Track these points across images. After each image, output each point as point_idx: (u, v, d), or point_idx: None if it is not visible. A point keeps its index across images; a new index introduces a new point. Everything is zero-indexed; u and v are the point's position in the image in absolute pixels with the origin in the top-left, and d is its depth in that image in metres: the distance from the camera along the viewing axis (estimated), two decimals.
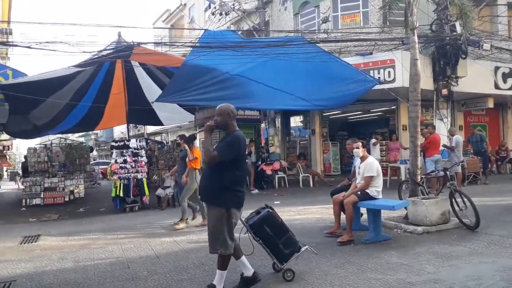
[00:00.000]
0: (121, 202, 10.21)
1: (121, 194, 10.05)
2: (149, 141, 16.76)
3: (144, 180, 10.46)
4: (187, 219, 7.72)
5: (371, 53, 12.36)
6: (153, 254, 5.68)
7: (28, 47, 8.45)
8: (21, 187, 16.59)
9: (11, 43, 10.08)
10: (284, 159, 15.80)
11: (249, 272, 4.03)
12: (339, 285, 4.08)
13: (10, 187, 23.26)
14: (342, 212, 6.18)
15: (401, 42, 11.25)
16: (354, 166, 6.62)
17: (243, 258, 4.04)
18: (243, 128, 14.66)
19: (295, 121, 18.41)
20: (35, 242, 7.02)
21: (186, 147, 7.65)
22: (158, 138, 28.50)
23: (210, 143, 3.88)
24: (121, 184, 10.08)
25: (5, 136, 20.32)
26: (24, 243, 6.96)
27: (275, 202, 9.93)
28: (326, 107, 13.48)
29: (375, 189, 5.97)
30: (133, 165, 10.38)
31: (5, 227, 8.87)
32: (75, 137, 33.50)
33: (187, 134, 28.37)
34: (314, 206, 9.19)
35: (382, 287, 3.97)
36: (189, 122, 17.83)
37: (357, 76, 10.37)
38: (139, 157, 10.53)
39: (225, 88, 10.14)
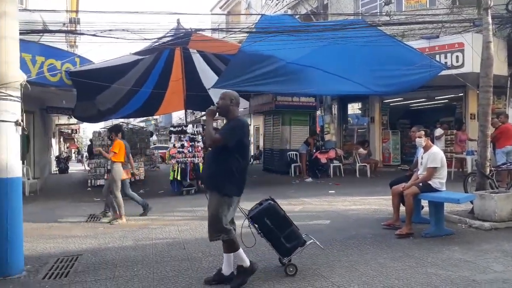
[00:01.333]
0: (178, 185, 10.54)
1: (179, 178, 10.36)
2: (205, 126, 17.08)
3: (200, 164, 10.69)
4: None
5: (437, 37, 11.59)
6: (206, 237, 5.76)
7: (94, 35, 8.86)
8: (87, 168, 17.71)
9: (79, 32, 10.63)
10: (340, 148, 15.44)
11: (228, 270, 3.88)
12: (396, 278, 3.90)
13: (77, 168, 24.91)
14: (401, 204, 5.90)
15: (472, 24, 10.41)
16: (417, 157, 6.27)
17: (232, 254, 3.85)
18: (298, 115, 14.58)
19: (353, 108, 17.88)
20: (99, 220, 7.43)
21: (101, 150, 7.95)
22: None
23: (211, 127, 3.80)
24: (179, 168, 10.38)
25: (73, 120, 21.75)
26: (90, 221, 7.40)
27: (330, 192, 9.75)
28: (387, 93, 12.91)
29: (439, 181, 5.62)
30: (190, 150, 10.65)
31: (72, 205, 9.49)
32: (136, 122, 35.13)
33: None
34: (371, 196, 8.89)
35: (443, 283, 3.73)
36: (244, 108, 17.95)
37: (421, 61, 9.78)
38: (195, 142, 10.78)
39: (281, 74, 10.04)
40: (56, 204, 9.52)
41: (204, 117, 8.65)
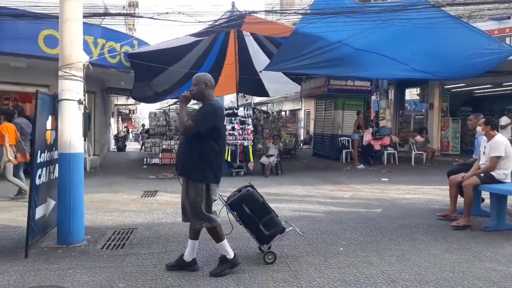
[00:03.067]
0: (228, 167, 10.72)
1: (229, 159, 10.52)
2: (255, 110, 17.17)
3: (250, 147, 10.79)
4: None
5: (508, 17, 10.68)
6: None
7: (152, 18, 9.09)
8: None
9: (137, 15, 10.98)
10: (395, 134, 14.88)
11: (189, 257, 3.79)
12: (451, 271, 3.72)
13: (134, 147, 26.07)
14: (459, 195, 5.59)
15: None
16: (476, 147, 5.90)
17: (196, 242, 3.81)
18: (351, 100, 14.18)
19: (411, 94, 17.10)
20: (153, 196, 7.75)
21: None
22: (264, 108, 29.13)
23: (185, 113, 3.63)
24: (229, 150, 10.53)
25: (130, 100, 22.68)
26: (145, 197, 7.74)
27: (383, 179, 9.47)
28: (449, 78, 12.19)
29: (503, 172, 5.25)
30: (240, 133, 10.75)
31: (129, 181, 9.97)
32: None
33: (292, 104, 28.21)
34: (427, 186, 8.52)
35: (503, 280, 3.52)
36: (295, 92, 17.77)
37: (489, 44, 9.09)
38: (246, 125, 10.86)
39: (335, 57, 9.78)
40: (114, 180, 10.04)
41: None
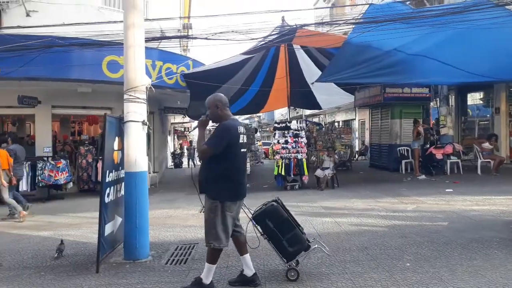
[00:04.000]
0: (282, 180, 10.72)
1: (283, 173, 10.51)
2: (308, 122, 17.05)
3: (304, 160, 10.70)
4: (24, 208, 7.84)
5: None
6: (314, 232, 5.75)
7: (206, 38, 9.40)
8: (198, 163, 18.96)
9: (192, 36, 11.42)
10: (458, 142, 14.08)
11: (249, 272, 3.81)
12: None
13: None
14: None
15: None
16: None
17: (247, 256, 3.84)
18: (409, 108, 13.64)
19: (473, 99, 16.15)
20: None
21: None
22: (316, 120, 28.86)
23: (202, 138, 3.75)
24: (283, 164, 10.53)
25: (186, 118, 23.46)
26: (203, 212, 7.88)
27: (447, 190, 8.96)
28: None
29: None
30: (294, 146, 10.72)
31: (188, 197, 10.24)
32: (241, 119, 36.58)
33: (345, 115, 27.69)
34: (497, 196, 7.93)
35: None
36: (349, 103, 17.46)
37: None
38: (299, 138, 10.82)
39: (390, 65, 9.52)
40: (174, 196, 10.38)
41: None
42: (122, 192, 5.08)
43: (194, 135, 49.03)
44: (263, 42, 10.95)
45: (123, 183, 5.05)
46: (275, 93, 13.93)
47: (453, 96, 15.61)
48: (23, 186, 9.60)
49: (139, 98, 4.92)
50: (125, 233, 4.87)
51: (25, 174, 9.48)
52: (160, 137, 18.04)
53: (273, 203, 4.09)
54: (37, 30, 9.61)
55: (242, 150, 3.80)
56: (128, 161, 4.85)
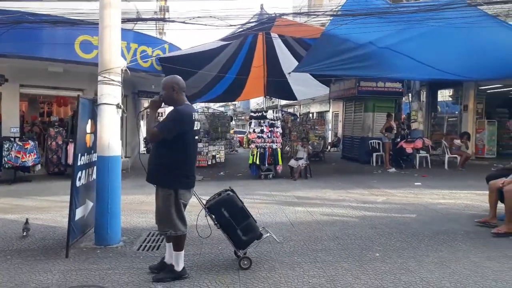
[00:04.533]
0: (257, 170, 10.76)
1: (258, 162, 10.55)
2: (283, 112, 17.11)
3: (279, 150, 10.78)
4: None
5: None
6: (287, 221, 5.83)
7: (183, 22, 9.20)
8: None
9: (169, 19, 11.17)
10: (427, 137, 14.52)
11: (170, 259, 3.76)
12: (494, 280, 3.60)
13: None
14: (499, 201, 5.39)
15: None
16: None
17: (182, 253, 3.73)
18: (382, 102, 13.93)
19: (443, 95, 16.64)
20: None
21: None
22: (291, 110, 29.03)
23: (153, 119, 3.64)
24: (258, 153, 10.56)
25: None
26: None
27: (416, 184, 9.25)
28: (484, 79, 11.79)
29: None
30: (269, 135, 10.76)
31: None
32: (216, 107, 36.33)
33: (319, 106, 27.93)
34: (462, 191, 8.26)
35: None
36: (324, 95, 17.63)
37: None
38: (275, 128, 10.87)
39: (365, 59, 9.63)
40: (146, 182, 10.21)
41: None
42: (94, 176, 4.97)
43: None
44: (241, 29, 10.85)
45: (95, 167, 4.93)
46: (251, 81, 13.86)
47: (424, 92, 16.02)
48: None
49: (113, 81, 4.79)
50: (96, 218, 4.77)
51: None
52: (133, 121, 17.66)
53: (229, 192, 4.08)
54: (6, 4, 9.16)
55: (195, 137, 3.75)
56: (101, 144, 4.73)
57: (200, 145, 14.40)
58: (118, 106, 4.83)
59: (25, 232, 4.98)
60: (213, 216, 3.98)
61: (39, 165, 10.27)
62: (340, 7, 9.54)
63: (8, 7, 8.93)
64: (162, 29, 21.32)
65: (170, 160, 3.51)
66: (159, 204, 3.62)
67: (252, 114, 11.62)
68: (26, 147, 9.64)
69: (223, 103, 40.88)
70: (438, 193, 8.04)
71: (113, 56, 4.80)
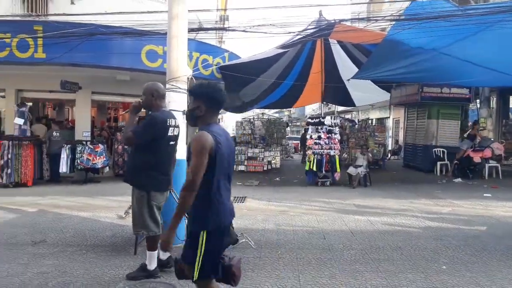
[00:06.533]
0: (313, 176, 10.68)
1: (314, 169, 10.47)
2: (340, 119, 16.83)
3: (337, 157, 10.62)
4: None
5: None
6: (347, 229, 5.74)
7: (244, 30, 9.44)
8: None
9: (230, 28, 11.48)
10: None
11: (152, 266, 3.80)
12: None
13: None
14: None
15: None
16: None
17: (155, 253, 3.82)
18: (447, 108, 13.23)
19: None
20: (243, 202, 7.99)
21: None
22: (348, 116, 28.46)
23: (131, 123, 3.76)
24: (315, 159, 10.49)
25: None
26: (234, 202, 7.99)
27: (485, 195, 8.71)
28: None
29: None
30: (327, 142, 10.65)
31: None
32: (271, 113, 36.59)
33: (379, 112, 27.10)
34: None
35: None
36: (384, 100, 17.13)
37: None
38: (333, 134, 10.73)
39: (430, 65, 9.27)
40: None
41: None
42: None
43: (225, 126, 49.50)
44: (300, 36, 10.89)
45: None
46: (309, 88, 13.83)
47: (494, 98, 15.02)
48: (63, 168, 10.00)
49: (180, 88, 5.03)
50: (163, 218, 4.99)
51: (65, 156, 9.94)
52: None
53: None
54: (81, 18, 9.93)
55: (171, 142, 3.84)
56: None
57: (256, 150, 14.60)
58: (184, 112, 5.05)
59: (125, 215, 5.87)
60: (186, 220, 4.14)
61: (107, 167, 10.95)
62: (402, 11, 9.28)
63: (84, 21, 9.68)
64: (221, 38, 21.92)
65: (143, 163, 3.68)
66: (133, 205, 3.80)
67: (309, 120, 11.57)
68: (96, 150, 10.32)
69: (278, 110, 41.07)
70: (511, 206, 7.49)
71: (180, 65, 5.05)
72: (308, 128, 11.42)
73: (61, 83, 10.87)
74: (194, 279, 2.43)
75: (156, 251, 3.83)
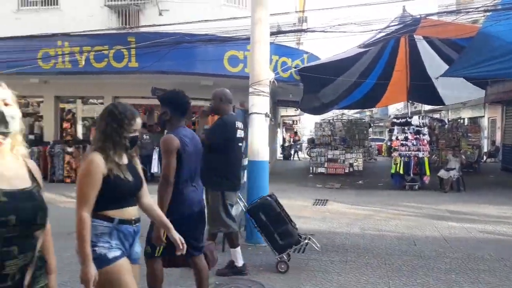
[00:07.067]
0: (400, 180, 10.16)
1: (401, 172, 9.97)
2: (429, 118, 15.82)
3: (426, 159, 10.00)
4: None
5: None
6: (439, 236, 5.38)
7: (323, 31, 9.34)
8: (306, 157, 19.13)
9: (309, 29, 11.44)
10: None
11: (239, 262, 3.94)
12: None
13: (300, 156, 26.98)
14: None
15: None
16: None
17: (238, 249, 3.94)
18: None
19: None
20: (324, 205, 7.88)
21: None
22: (437, 116, 26.66)
23: (202, 127, 3.97)
24: (401, 162, 9.98)
25: (291, 112, 23.56)
26: (316, 205, 7.94)
27: None
28: None
29: None
30: (415, 143, 10.09)
31: (299, 189, 10.38)
32: (351, 113, 35.60)
33: (471, 111, 25.03)
34: None
35: None
36: (477, 98, 15.76)
37: None
38: (421, 135, 10.14)
39: None
40: (285, 187, 10.53)
41: None
42: (245, 178, 5.35)
43: (301, 127, 49.42)
44: (382, 34, 10.47)
45: (245, 171, 5.31)
46: (392, 86, 13.18)
47: None
48: (154, 168, 10.74)
49: (263, 92, 5.12)
50: (248, 218, 5.13)
51: (156, 157, 10.66)
52: (272, 129, 18.52)
53: (267, 197, 4.26)
54: (168, 28, 10.58)
55: (239, 144, 4.04)
56: (251, 150, 5.09)
57: (336, 152, 14.32)
58: (266, 115, 5.15)
59: None
60: (253, 220, 4.21)
61: None
62: (498, 1, 8.49)
63: (171, 30, 10.29)
64: (299, 40, 21.91)
65: (216, 164, 3.82)
66: (209, 205, 3.87)
67: (395, 120, 11.05)
68: None
69: (359, 110, 39.83)
70: None
71: (262, 68, 5.14)
72: (393, 129, 10.89)
73: (152, 90, 11.64)
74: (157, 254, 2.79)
75: (238, 248, 3.98)
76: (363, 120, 21.00)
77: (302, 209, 7.46)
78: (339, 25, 9.14)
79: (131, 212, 2.15)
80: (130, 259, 2.16)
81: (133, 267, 2.18)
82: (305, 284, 3.70)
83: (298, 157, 23.50)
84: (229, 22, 10.41)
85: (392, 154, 11.20)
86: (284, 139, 34.55)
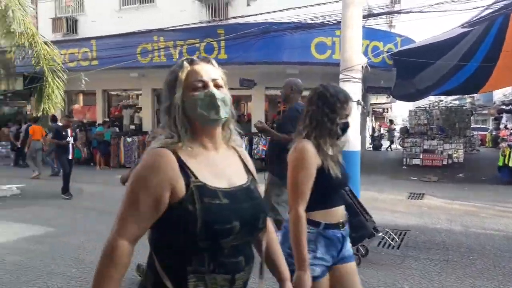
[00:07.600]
0: (509, 173, 9.10)
1: (510, 164, 8.92)
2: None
3: None
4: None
5: None
6: None
7: (420, 11, 8.66)
8: (399, 147, 18.07)
9: (403, 11, 10.70)
10: None
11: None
12: None
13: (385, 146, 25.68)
14: None
15: None
16: None
17: None
18: None
19: None
20: (420, 199, 7.37)
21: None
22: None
23: (274, 134, 3.92)
24: (511, 153, 8.93)
25: (381, 99, 22.36)
26: (411, 199, 7.46)
27: None
28: None
29: None
30: None
31: (391, 181, 9.86)
32: (449, 100, 32.79)
33: None
34: None
35: None
36: None
37: None
38: None
39: None
40: (376, 179, 10.10)
41: None
42: None
43: (393, 116, 46.96)
44: (489, 10, 9.37)
45: None
46: (500, 69, 11.80)
47: None
48: None
49: (354, 78, 4.89)
50: None
51: (243, 147, 10.88)
52: (361, 118, 17.83)
53: None
54: (255, 18, 10.64)
55: None
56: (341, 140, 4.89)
57: (433, 142, 13.34)
58: (358, 102, 4.90)
59: None
60: None
61: None
62: None
63: (258, 20, 10.35)
64: (391, 22, 20.67)
65: (280, 152, 3.72)
66: (267, 189, 3.86)
67: (504, 107, 9.91)
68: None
69: (458, 96, 36.62)
70: None
71: (354, 53, 4.90)
72: (500, 117, 9.78)
73: (240, 81, 11.92)
74: None
75: None
76: (464, 107, 19.18)
77: (396, 203, 7.08)
78: (438, 3, 8.41)
79: (339, 213, 1.88)
80: (340, 262, 1.87)
81: (347, 267, 1.89)
82: (401, 281, 3.47)
83: (390, 148, 22.36)
84: (316, 8, 10.16)
85: (500, 145, 10.06)
86: (373, 128, 33.20)
